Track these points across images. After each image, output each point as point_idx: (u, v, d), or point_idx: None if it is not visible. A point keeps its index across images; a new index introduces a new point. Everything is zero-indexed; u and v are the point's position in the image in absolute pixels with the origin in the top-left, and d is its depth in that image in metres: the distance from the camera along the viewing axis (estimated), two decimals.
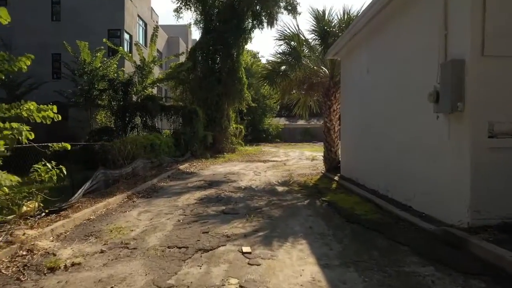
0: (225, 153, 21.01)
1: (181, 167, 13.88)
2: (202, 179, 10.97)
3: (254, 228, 5.34)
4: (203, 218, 6.02)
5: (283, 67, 11.96)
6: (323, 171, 12.13)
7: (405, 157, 6.40)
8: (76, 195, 6.78)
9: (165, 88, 29.70)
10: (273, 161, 17.56)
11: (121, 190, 8.11)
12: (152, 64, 17.89)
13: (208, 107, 21.29)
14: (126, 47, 23.97)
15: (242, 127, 29.97)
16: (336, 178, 10.32)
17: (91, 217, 6.01)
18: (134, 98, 17.50)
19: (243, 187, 9.34)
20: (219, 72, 21.94)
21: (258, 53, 43.83)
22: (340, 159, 11.48)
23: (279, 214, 6.32)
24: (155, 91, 28.31)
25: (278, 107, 43.93)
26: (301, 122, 46.12)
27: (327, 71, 12.09)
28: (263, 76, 12.20)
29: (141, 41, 26.94)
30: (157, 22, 33.71)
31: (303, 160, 18.02)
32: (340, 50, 9.82)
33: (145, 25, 28.79)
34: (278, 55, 11.74)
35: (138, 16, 27.03)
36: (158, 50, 30.86)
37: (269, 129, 42.35)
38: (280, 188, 9.21)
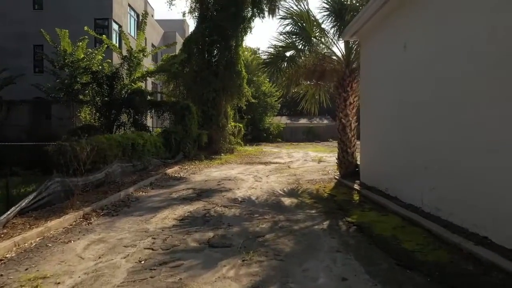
0: (222, 154, 18.96)
1: (169, 171, 11.88)
2: (191, 187, 8.98)
3: (253, 280, 3.33)
4: (177, 256, 4.02)
5: (289, 52, 9.92)
6: (336, 177, 10.13)
7: (477, 161, 4.37)
8: (1, 217, 4.78)
9: (160, 85, 27.70)
10: (276, 163, 15.54)
11: (77, 205, 6.09)
12: (141, 56, 15.90)
13: (203, 103, 19.27)
14: (115, 39, 21.99)
15: (241, 125, 27.84)
16: (356, 186, 8.32)
17: (8, 255, 3.99)
18: (123, 93, 15.48)
19: (240, 199, 7.34)
20: (216, 65, 19.95)
21: (258, 49, 41.52)
22: (359, 163, 9.48)
23: (290, 247, 4.32)
24: (149, 87, 26.42)
25: (280, 105, 41.91)
26: (303, 121, 44.16)
27: (341, 57, 10.08)
28: (265, 62, 10.12)
29: (132, 34, 24.95)
30: (152, 16, 31.66)
31: (309, 162, 16.01)
32: (362, 26, 7.80)
33: (138, 16, 26.75)
34: (283, 37, 9.67)
35: (129, 5, 25.02)
36: (153, 45, 28.87)
37: (270, 128, 40.17)
38: (287, 201, 7.22)
